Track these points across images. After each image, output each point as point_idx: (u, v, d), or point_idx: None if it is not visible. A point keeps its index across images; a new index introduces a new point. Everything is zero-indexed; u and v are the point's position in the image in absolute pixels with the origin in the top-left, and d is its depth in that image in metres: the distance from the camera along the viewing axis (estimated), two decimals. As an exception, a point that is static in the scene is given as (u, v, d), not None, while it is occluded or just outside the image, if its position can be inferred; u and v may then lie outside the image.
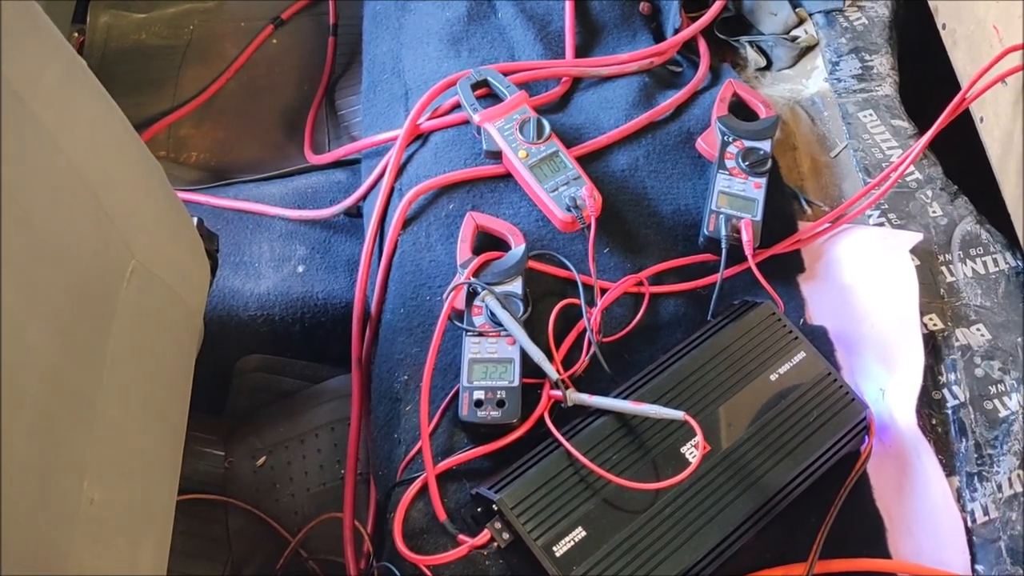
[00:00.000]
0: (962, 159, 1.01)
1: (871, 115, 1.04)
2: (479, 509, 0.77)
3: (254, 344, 1.06)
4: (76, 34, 1.38)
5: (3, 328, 0.52)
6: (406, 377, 0.86)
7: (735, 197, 0.93)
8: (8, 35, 0.60)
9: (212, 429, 1.04)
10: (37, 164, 0.60)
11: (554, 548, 0.71)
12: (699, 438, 0.74)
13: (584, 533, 0.72)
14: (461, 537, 0.74)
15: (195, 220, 0.87)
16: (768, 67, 1.15)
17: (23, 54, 0.61)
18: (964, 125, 0.99)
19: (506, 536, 0.72)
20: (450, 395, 0.83)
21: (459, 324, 0.84)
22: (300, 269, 1.07)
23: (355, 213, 1.08)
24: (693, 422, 0.74)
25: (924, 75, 1.12)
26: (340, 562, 0.90)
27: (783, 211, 0.97)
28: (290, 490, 0.99)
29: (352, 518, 0.89)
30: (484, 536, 0.73)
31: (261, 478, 1.01)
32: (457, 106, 1.01)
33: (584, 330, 0.86)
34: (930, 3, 1.08)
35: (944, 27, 1.05)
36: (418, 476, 0.79)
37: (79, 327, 0.62)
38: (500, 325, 0.83)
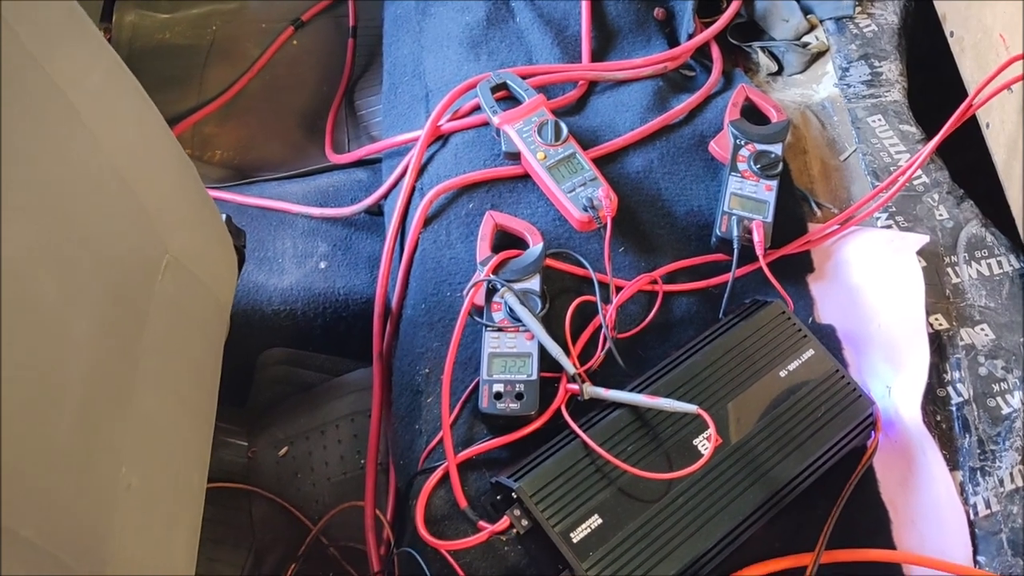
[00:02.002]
0: (968, 164, 1.04)
1: (880, 120, 1.06)
2: (498, 497, 0.79)
3: (277, 338, 1.10)
4: (103, 32, 1.41)
5: (49, 321, 0.55)
6: (427, 370, 0.89)
7: (747, 199, 0.95)
8: (55, 37, 0.63)
9: (236, 420, 1.07)
10: (80, 162, 0.63)
11: (571, 534, 0.73)
12: (711, 431, 0.77)
13: (600, 520, 0.75)
14: (481, 523, 0.77)
15: (223, 217, 0.90)
16: (779, 72, 1.17)
17: (69, 56, 0.64)
18: (971, 131, 1.01)
19: (525, 523, 0.75)
20: (470, 388, 0.86)
21: (479, 320, 0.87)
22: (322, 265, 1.10)
23: (376, 211, 1.11)
24: (706, 415, 0.77)
25: (932, 82, 1.14)
26: (360, 548, 0.92)
27: (793, 213, 0.99)
28: (311, 479, 1.02)
29: (373, 506, 0.91)
30: (503, 523, 0.75)
31: (283, 468, 1.03)
32: (477, 108, 1.04)
33: (600, 326, 0.89)
34: (939, 11, 1.10)
35: (952, 35, 1.07)
36: (439, 465, 0.82)
37: (118, 319, 0.64)
38: (519, 321, 0.85)
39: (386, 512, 0.91)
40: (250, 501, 1.02)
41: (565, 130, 0.98)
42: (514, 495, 0.75)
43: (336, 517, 0.98)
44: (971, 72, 1.02)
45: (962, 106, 0.93)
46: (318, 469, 1.03)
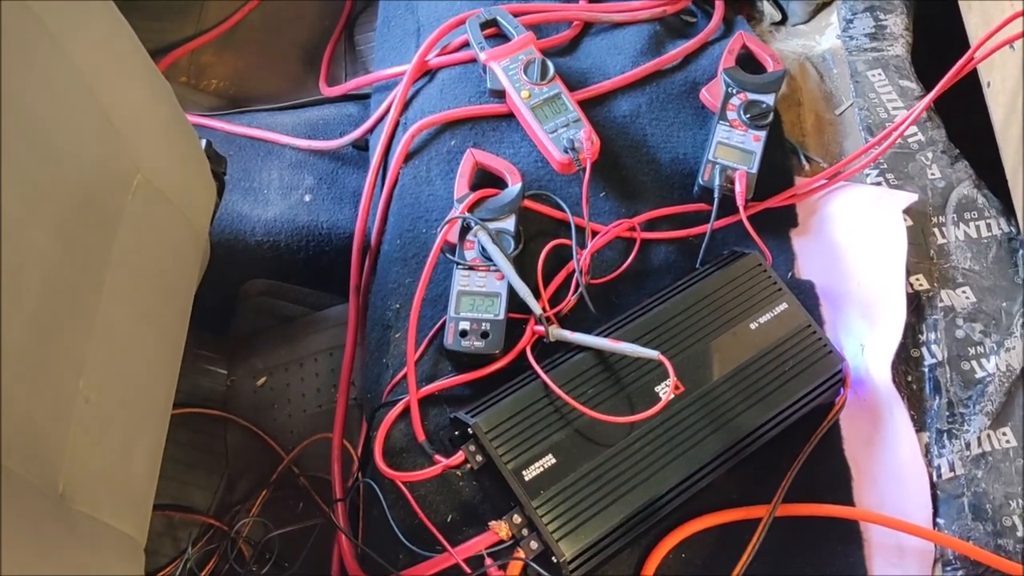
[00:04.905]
0: (968, 126, 1.01)
1: (880, 74, 1.03)
2: (456, 432, 0.80)
3: (260, 269, 1.10)
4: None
5: (3, 224, 0.55)
6: (398, 306, 0.89)
7: (733, 148, 0.94)
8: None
9: (216, 348, 1.08)
10: (42, 71, 0.63)
11: (524, 472, 0.74)
12: (671, 377, 0.77)
13: (554, 460, 0.75)
14: (437, 457, 0.77)
15: (203, 142, 0.90)
16: (783, 22, 1.15)
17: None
18: (973, 93, 0.98)
19: (479, 459, 0.75)
20: (438, 325, 0.86)
21: (451, 257, 0.87)
22: (307, 198, 1.10)
23: (363, 146, 1.10)
24: (666, 362, 0.76)
25: (940, 42, 1.10)
26: (330, 480, 0.94)
27: (782, 165, 0.98)
28: (287, 410, 1.03)
29: (341, 437, 0.92)
30: (458, 457, 0.76)
31: (260, 398, 1.04)
32: (466, 44, 1.02)
33: (573, 271, 0.88)
34: (949, -35, 1.07)
35: (961, -11, 1.04)
36: (401, 399, 0.82)
37: (82, 232, 0.64)
38: (490, 260, 0.85)
39: (358, 446, 0.92)
40: (226, 428, 1.03)
41: (552, 69, 0.96)
42: (470, 431, 0.76)
43: (308, 448, 0.99)
44: (976, 28, 0.99)
45: (962, 59, 0.91)
46: (294, 400, 1.04)
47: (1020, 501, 0.81)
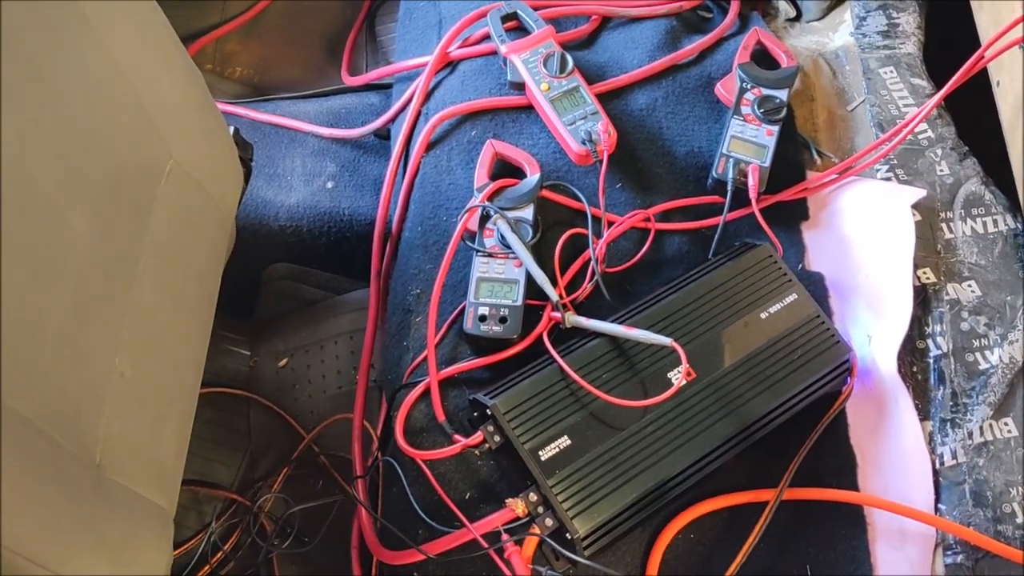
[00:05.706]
0: (978, 124, 1.03)
1: (892, 72, 1.05)
2: (475, 414, 0.83)
3: (282, 253, 1.12)
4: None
5: (45, 209, 0.57)
6: (418, 291, 0.91)
7: (746, 142, 0.96)
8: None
9: (240, 330, 1.10)
10: (82, 61, 0.65)
11: (540, 452, 0.77)
12: (684, 364, 0.79)
13: (569, 442, 0.77)
14: (456, 437, 0.80)
15: (231, 129, 0.92)
16: (797, 18, 1.16)
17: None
18: (983, 92, 1.00)
19: (497, 439, 0.78)
20: (458, 310, 0.89)
21: (471, 244, 0.89)
22: (329, 185, 1.13)
23: (384, 135, 1.13)
24: (679, 348, 0.79)
25: (952, 41, 1.12)
26: (349, 458, 0.96)
27: (794, 160, 1.00)
28: (308, 391, 1.06)
29: (362, 417, 0.95)
30: (477, 437, 0.78)
31: (282, 378, 1.07)
32: (487, 37, 1.05)
33: (589, 259, 0.91)
34: (960, -35, 1.08)
35: (973, -11, 1.05)
36: (422, 380, 0.85)
37: (118, 216, 0.67)
38: (509, 248, 0.88)
39: (377, 427, 0.95)
40: (249, 408, 1.06)
41: (571, 63, 0.98)
42: (489, 412, 0.78)
43: (328, 428, 1.02)
44: (987, 28, 1.01)
45: (972, 59, 0.93)
46: (315, 382, 1.07)
47: (1020, 489, 0.83)
